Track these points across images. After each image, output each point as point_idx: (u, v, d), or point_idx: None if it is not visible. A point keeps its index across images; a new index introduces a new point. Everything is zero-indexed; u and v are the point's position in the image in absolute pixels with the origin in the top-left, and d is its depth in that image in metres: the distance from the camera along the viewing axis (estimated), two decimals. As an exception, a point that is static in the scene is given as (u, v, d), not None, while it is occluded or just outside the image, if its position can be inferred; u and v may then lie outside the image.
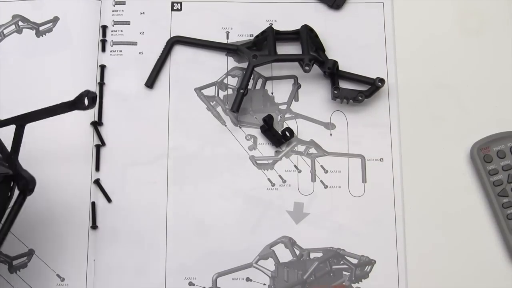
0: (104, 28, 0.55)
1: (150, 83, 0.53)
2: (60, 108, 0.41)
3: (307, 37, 0.53)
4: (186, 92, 0.54)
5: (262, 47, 0.54)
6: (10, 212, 0.43)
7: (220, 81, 0.54)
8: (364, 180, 0.52)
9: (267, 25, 0.55)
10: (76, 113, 0.53)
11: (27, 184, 0.43)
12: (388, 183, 0.52)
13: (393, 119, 0.54)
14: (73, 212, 0.51)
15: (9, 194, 0.43)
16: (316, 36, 0.54)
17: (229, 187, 0.52)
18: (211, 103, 0.54)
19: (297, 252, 0.51)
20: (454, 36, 0.56)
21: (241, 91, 0.51)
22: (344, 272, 0.50)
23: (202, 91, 0.54)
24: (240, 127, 0.53)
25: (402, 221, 0.51)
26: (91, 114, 0.53)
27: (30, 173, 0.43)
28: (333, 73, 0.53)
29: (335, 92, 0.52)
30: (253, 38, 0.55)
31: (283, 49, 0.55)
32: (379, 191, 0.52)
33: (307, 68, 0.52)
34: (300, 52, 0.53)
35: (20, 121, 0.42)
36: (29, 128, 0.52)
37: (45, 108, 0.41)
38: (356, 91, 0.53)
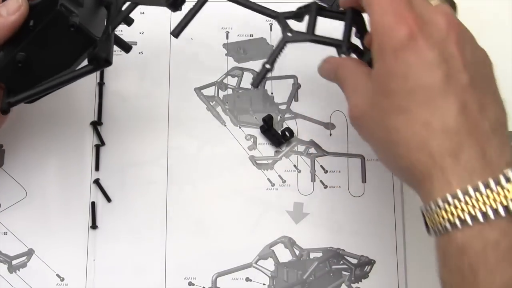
0: (104, 28, 0.55)
1: (177, 32, 0.47)
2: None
3: (351, 22, 0.46)
4: (186, 92, 0.54)
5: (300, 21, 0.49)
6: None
7: (220, 81, 0.55)
8: (364, 180, 0.52)
9: (267, 25, 0.55)
10: (75, 113, 0.53)
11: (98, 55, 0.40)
12: (388, 183, 0.52)
13: (393, 119, 0.54)
14: (73, 212, 0.51)
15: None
16: (363, 21, 0.47)
17: (228, 187, 0.52)
18: (211, 103, 0.54)
19: (297, 252, 0.51)
20: (454, 36, 0.56)
21: (267, 66, 0.45)
22: (343, 272, 0.50)
23: (202, 91, 0.54)
24: (239, 127, 0.53)
25: (402, 221, 0.51)
26: (90, 114, 0.53)
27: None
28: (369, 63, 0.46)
29: None
30: (296, 9, 0.48)
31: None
32: (379, 191, 0.52)
33: (343, 56, 0.46)
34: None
35: None
36: (28, 127, 0.52)
37: None
38: None
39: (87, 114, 0.53)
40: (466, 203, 0.34)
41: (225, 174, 0.52)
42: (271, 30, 0.56)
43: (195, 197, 0.52)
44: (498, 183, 0.34)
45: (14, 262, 0.50)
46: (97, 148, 0.52)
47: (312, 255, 0.51)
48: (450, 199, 0.34)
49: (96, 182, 0.51)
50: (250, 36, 0.55)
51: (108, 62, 0.40)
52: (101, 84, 0.54)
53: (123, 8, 0.42)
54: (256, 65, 0.55)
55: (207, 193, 0.52)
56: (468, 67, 0.37)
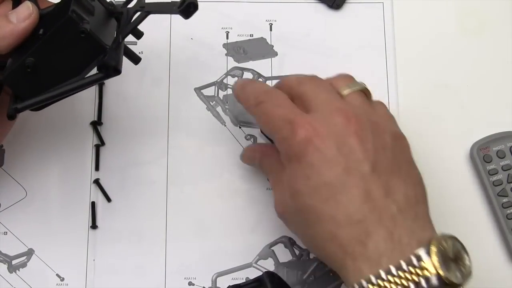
0: (104, 28, 0.55)
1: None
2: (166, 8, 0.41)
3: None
4: (186, 92, 0.54)
5: None
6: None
7: (220, 81, 0.55)
8: (364, 180, 0.52)
9: (267, 25, 0.55)
10: (75, 113, 0.53)
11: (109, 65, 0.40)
12: (388, 183, 0.52)
13: (393, 119, 0.54)
14: (73, 211, 0.51)
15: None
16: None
17: (228, 187, 0.52)
18: (211, 103, 0.54)
19: (297, 252, 0.51)
20: (454, 36, 0.56)
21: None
22: (343, 272, 0.50)
23: (202, 91, 0.54)
24: (240, 127, 0.53)
25: (402, 221, 0.51)
26: (90, 114, 0.53)
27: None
28: None
29: None
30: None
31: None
32: (379, 191, 0.52)
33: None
34: None
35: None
36: (28, 127, 0.52)
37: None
38: None
39: (87, 114, 0.53)
40: (379, 285, 0.35)
41: (225, 174, 0.52)
42: (271, 30, 0.56)
43: (195, 197, 0.52)
44: (409, 263, 0.35)
45: (14, 262, 0.50)
46: (97, 148, 0.52)
47: (312, 255, 0.51)
48: (364, 284, 0.36)
49: (96, 182, 0.51)
50: (250, 36, 0.55)
51: (117, 71, 0.40)
52: (101, 84, 0.54)
53: (134, 17, 0.42)
54: (256, 65, 0.55)
55: (207, 193, 0.52)
56: (369, 156, 0.38)
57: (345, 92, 0.43)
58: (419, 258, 0.35)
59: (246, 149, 0.51)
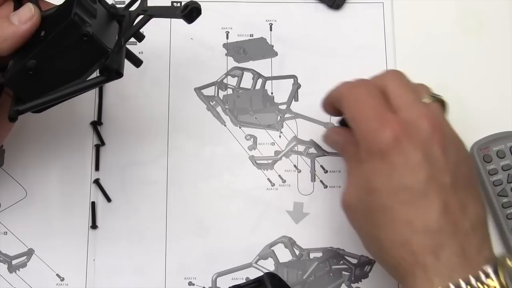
0: (104, 28, 0.55)
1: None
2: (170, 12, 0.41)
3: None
4: (186, 92, 0.54)
5: None
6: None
7: (220, 81, 0.55)
8: (364, 180, 0.52)
9: (267, 25, 0.55)
10: (75, 113, 0.53)
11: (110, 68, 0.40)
12: (388, 183, 0.52)
13: (393, 119, 0.53)
14: (73, 211, 0.51)
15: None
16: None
17: (228, 187, 0.52)
18: (211, 103, 0.54)
19: (297, 252, 0.51)
20: (454, 36, 0.56)
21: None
22: (343, 272, 0.50)
23: (201, 91, 0.54)
24: (240, 127, 0.53)
25: (402, 221, 0.51)
26: (90, 114, 0.53)
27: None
28: None
29: None
30: None
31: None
32: (379, 191, 0.52)
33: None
34: None
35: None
36: (28, 127, 0.52)
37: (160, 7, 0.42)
38: None
39: (87, 114, 0.53)
40: None
41: (225, 174, 0.52)
42: (271, 30, 0.56)
43: (195, 197, 0.52)
44: (477, 279, 0.36)
45: (14, 262, 0.50)
46: (97, 148, 0.52)
47: (312, 255, 0.51)
48: None
49: (96, 182, 0.51)
50: (250, 36, 0.55)
51: (119, 74, 0.40)
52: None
53: (136, 21, 0.42)
54: (256, 65, 0.55)
55: (207, 193, 0.52)
56: (450, 168, 0.38)
57: (427, 100, 0.42)
58: (487, 275, 0.36)
59: (331, 130, 0.49)
